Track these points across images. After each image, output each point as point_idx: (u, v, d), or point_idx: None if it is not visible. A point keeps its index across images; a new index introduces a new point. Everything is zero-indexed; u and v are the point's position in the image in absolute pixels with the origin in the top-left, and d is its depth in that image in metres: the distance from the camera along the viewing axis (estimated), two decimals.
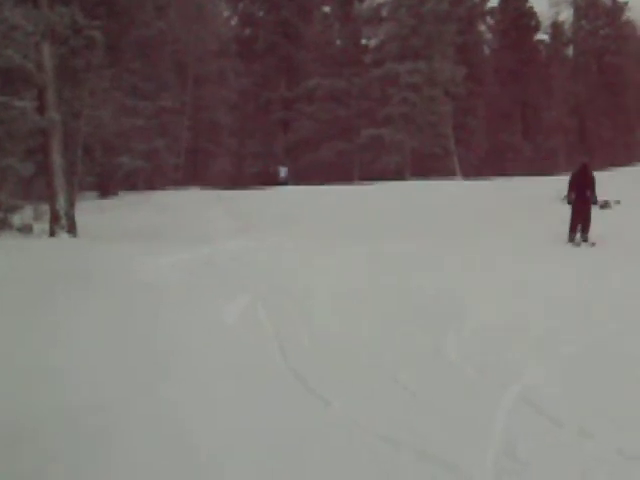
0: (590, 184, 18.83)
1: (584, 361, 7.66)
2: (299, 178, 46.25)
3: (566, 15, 72.40)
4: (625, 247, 17.01)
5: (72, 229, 22.96)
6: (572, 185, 18.88)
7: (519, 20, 66.29)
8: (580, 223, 18.63)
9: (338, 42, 58.90)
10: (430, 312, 9.95)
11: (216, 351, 8.28)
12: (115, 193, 39.05)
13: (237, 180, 52.87)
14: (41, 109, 22.17)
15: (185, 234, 22.73)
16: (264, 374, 7.37)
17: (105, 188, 39.18)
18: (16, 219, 23.08)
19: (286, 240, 19.11)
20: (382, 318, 9.73)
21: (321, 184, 38.21)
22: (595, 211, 19.36)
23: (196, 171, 54.06)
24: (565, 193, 19.64)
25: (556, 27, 71.19)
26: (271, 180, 44.20)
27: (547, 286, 11.87)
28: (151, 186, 43.35)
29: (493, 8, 68.53)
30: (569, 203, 18.89)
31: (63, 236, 22.33)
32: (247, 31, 58.84)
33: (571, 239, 18.52)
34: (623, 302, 10.65)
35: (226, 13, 62.43)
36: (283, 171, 44.25)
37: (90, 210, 28.36)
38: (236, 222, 25.36)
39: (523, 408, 6.22)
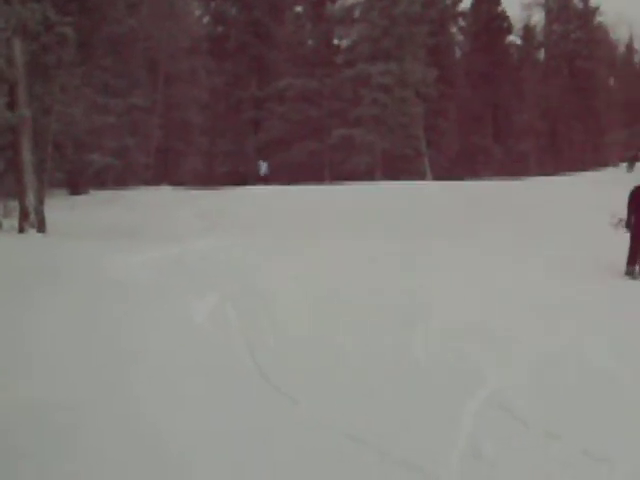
0: None
1: (551, 363, 7.76)
2: (270, 178, 46.32)
3: (538, 18, 73.57)
4: None
5: (41, 226, 22.76)
6: (632, 206, 15.72)
7: (491, 23, 66.89)
8: None
9: (310, 42, 59.10)
10: (399, 312, 10.01)
11: (184, 350, 8.34)
12: (85, 191, 38.90)
13: (208, 179, 52.87)
14: (12, 105, 22.13)
15: (155, 233, 22.55)
16: (232, 373, 7.46)
17: (75, 185, 39.04)
18: None
19: (256, 240, 19.05)
20: (349, 318, 9.80)
21: (292, 184, 38.32)
22: None
23: (167, 170, 53.98)
24: (621, 216, 16.67)
25: (528, 30, 72.26)
26: (242, 179, 44.24)
27: None
28: (122, 184, 43.29)
29: (465, 10, 69.27)
30: (627, 227, 15.77)
31: (32, 233, 22.08)
32: (219, 30, 58.77)
33: (629, 272, 15.37)
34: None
35: (198, 11, 62.47)
36: (264, 166, 43.93)
37: (60, 207, 28.09)
38: (206, 221, 25.34)
39: (489, 410, 6.31)
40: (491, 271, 13.98)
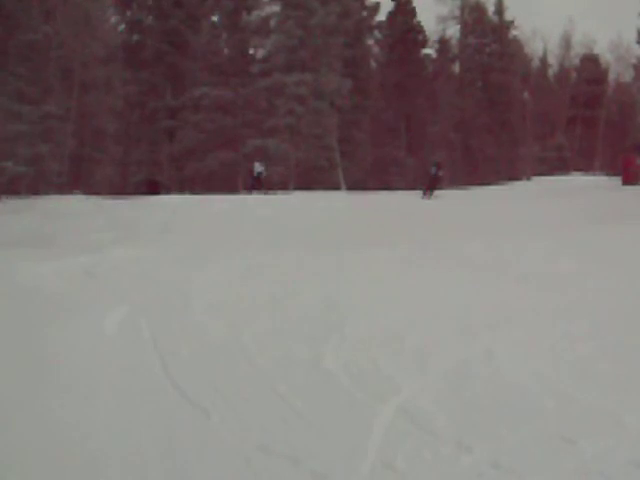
0: None
1: (464, 375, 7.80)
2: (184, 187, 46.90)
3: (453, 31, 74.48)
4: None
5: None
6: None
7: (406, 35, 68.43)
8: None
9: (225, 52, 59.75)
10: (312, 323, 10.15)
11: (95, 362, 8.46)
12: None
13: (121, 188, 53.35)
14: None
15: (67, 242, 21.98)
16: (144, 385, 7.60)
17: None
18: None
19: (168, 250, 19.10)
20: (262, 328, 9.92)
21: (206, 193, 39.17)
22: None
23: (80, 178, 54.03)
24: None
25: (443, 43, 73.42)
26: (156, 188, 44.41)
27: None
28: (35, 192, 43.66)
29: (381, 22, 70.46)
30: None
31: None
32: (134, 38, 59.32)
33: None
34: None
35: (114, 19, 62.68)
36: (259, 167, 42.04)
37: None
38: (119, 231, 24.58)
39: (401, 421, 6.43)
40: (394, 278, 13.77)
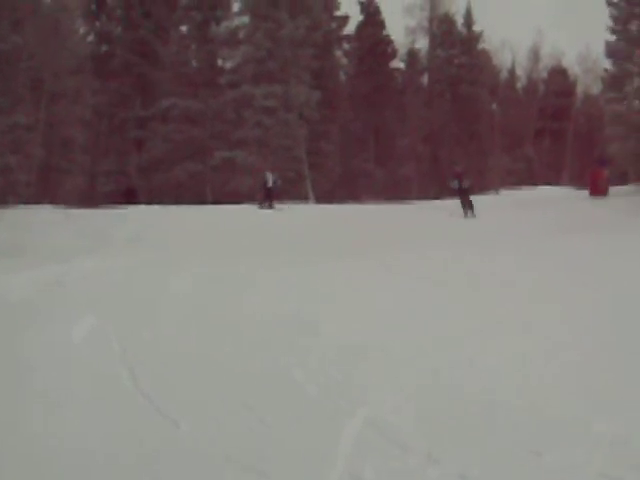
0: None
1: (433, 387, 7.91)
2: (152, 198, 47.03)
3: (422, 43, 74.92)
4: None
5: None
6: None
7: (375, 47, 69.19)
8: None
9: (194, 63, 60.18)
10: (280, 332, 10.35)
11: (63, 371, 8.47)
12: None
13: (90, 198, 53.17)
14: None
15: (36, 253, 22.02)
16: (112, 395, 7.63)
17: None
18: None
19: (137, 260, 19.21)
20: (231, 339, 9.99)
21: (174, 204, 39.51)
22: None
23: (49, 188, 54.21)
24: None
25: (412, 55, 73.83)
26: (125, 199, 44.35)
27: None
28: (3, 203, 43.65)
29: (350, 34, 71.00)
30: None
31: None
32: (104, 49, 59.96)
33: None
34: None
35: (83, 30, 62.66)
36: (271, 178, 40.63)
37: None
38: (87, 241, 24.83)
39: (370, 433, 6.45)
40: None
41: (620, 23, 47.90)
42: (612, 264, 15.41)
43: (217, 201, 46.22)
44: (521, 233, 24.39)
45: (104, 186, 57.65)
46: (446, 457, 5.93)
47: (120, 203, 41.98)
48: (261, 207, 38.69)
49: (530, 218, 29.33)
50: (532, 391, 7.68)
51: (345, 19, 70.49)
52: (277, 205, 39.17)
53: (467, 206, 33.78)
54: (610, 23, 48.48)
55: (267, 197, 39.78)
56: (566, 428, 6.57)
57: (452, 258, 17.88)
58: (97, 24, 60.28)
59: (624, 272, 14.37)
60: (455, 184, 34.99)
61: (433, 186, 62.78)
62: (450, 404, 7.32)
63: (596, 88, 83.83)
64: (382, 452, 6.07)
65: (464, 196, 34.38)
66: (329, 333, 10.44)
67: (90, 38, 62.26)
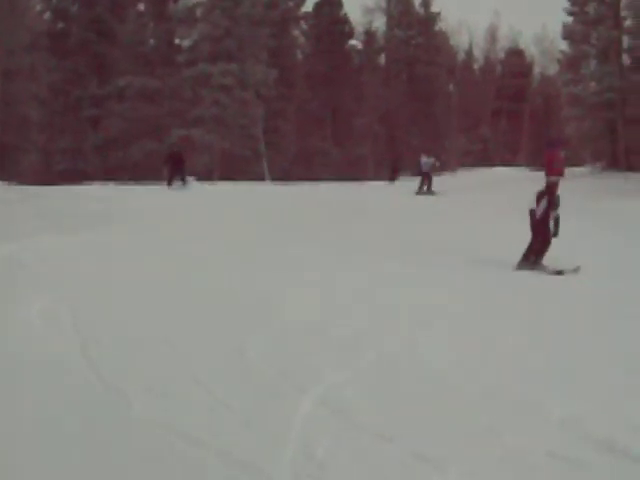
0: None
1: (389, 365, 7.88)
2: (108, 176, 47.21)
3: (379, 23, 76.51)
4: None
5: None
6: None
7: (333, 26, 70.24)
8: None
9: (151, 41, 60.62)
10: (236, 311, 10.26)
11: (16, 349, 8.34)
12: None
13: (46, 177, 53.01)
14: None
15: None
16: (66, 374, 7.46)
17: None
18: None
19: (96, 239, 18.64)
20: (187, 317, 9.92)
21: (129, 183, 39.97)
22: None
23: (4, 166, 53.71)
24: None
25: (369, 35, 75.32)
26: (80, 177, 44.27)
27: None
28: None
29: (307, 13, 71.88)
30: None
31: None
32: (59, 26, 59.83)
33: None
34: None
35: (39, 7, 63.00)
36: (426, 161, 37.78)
37: None
38: (44, 220, 23.56)
39: (323, 411, 6.44)
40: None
41: (577, 5, 49.07)
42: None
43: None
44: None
45: (59, 164, 57.72)
46: None
47: (75, 181, 42.30)
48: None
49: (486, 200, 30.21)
50: None
51: None
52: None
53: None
54: (567, 5, 49.71)
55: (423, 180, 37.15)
56: None
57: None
58: (53, 1, 60.06)
59: None
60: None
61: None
62: None
63: (553, 69, 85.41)
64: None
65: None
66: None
67: (46, 15, 62.35)
